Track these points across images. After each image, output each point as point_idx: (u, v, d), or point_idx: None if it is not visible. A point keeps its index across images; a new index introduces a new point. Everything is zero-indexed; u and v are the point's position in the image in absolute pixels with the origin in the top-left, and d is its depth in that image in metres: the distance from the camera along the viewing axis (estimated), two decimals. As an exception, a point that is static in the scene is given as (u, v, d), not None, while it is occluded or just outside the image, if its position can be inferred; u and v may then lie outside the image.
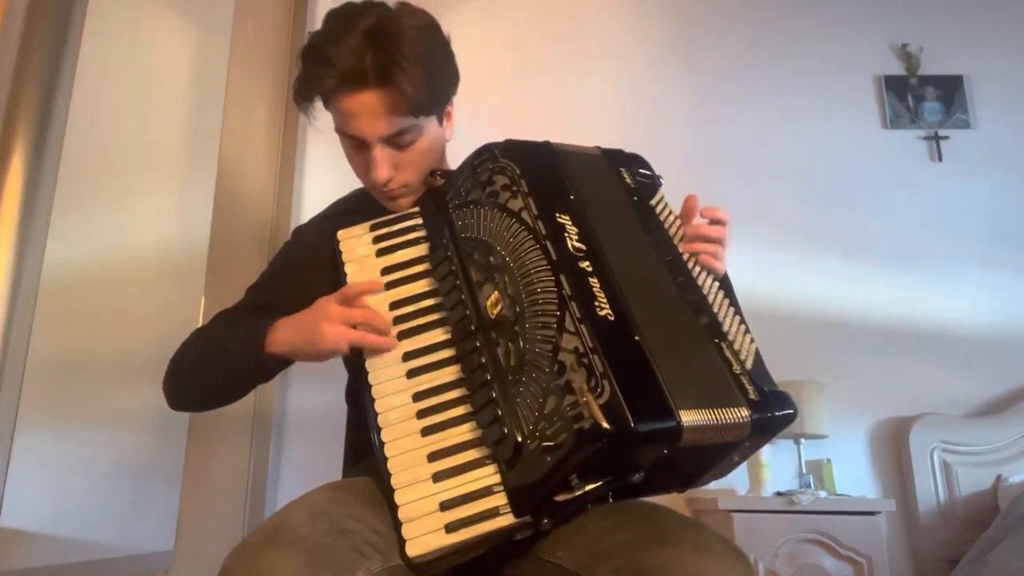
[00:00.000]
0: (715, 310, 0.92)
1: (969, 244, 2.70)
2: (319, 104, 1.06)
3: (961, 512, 2.35)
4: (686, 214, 1.02)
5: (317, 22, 1.06)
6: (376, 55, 0.97)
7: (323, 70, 0.98)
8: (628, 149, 1.11)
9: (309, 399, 2.44)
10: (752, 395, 0.84)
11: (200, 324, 1.76)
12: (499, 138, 1.11)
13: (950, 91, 2.84)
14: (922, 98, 2.84)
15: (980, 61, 2.88)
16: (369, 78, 0.97)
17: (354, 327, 0.95)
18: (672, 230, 1.00)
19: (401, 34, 0.98)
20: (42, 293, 1.26)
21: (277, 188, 2.51)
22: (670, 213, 1.03)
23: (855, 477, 2.48)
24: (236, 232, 2.19)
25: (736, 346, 0.89)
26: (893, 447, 2.51)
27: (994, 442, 2.42)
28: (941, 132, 2.80)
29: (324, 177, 2.62)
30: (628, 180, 1.04)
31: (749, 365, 0.87)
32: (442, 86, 1.06)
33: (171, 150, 1.81)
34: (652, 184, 1.05)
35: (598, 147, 1.08)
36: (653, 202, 1.02)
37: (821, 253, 2.66)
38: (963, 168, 2.77)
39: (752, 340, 0.91)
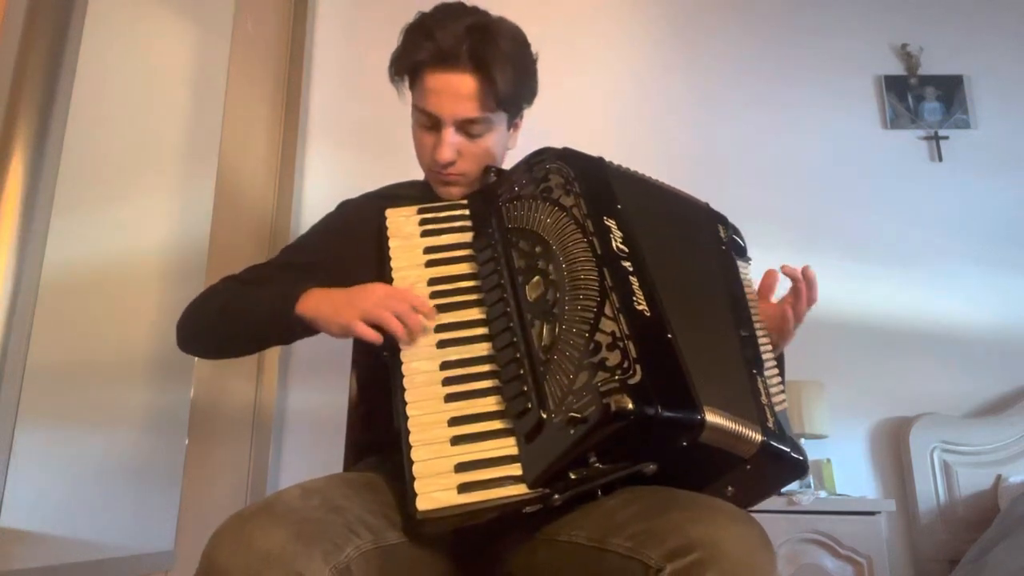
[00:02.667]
0: (762, 355, 0.99)
1: (969, 244, 2.69)
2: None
3: (961, 512, 2.35)
4: (764, 288, 1.10)
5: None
6: (475, 45, 1.05)
7: (423, 42, 1.06)
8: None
9: (309, 399, 2.44)
10: (770, 424, 0.89)
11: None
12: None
13: (950, 91, 2.84)
14: (922, 98, 2.83)
15: (980, 61, 2.87)
16: (463, 61, 1.05)
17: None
18: (746, 287, 1.07)
19: (501, 35, 1.08)
20: (42, 293, 1.26)
21: (277, 188, 2.51)
22: (749, 281, 1.10)
23: (855, 477, 2.48)
24: (236, 232, 2.19)
25: (771, 390, 0.95)
26: (893, 447, 2.51)
27: (994, 442, 2.42)
28: (941, 132, 2.80)
29: (324, 177, 2.61)
30: (722, 235, 1.11)
31: (776, 409, 0.94)
32: (524, 91, 1.13)
33: (171, 150, 1.81)
34: (742, 253, 1.13)
35: (706, 203, 1.15)
36: (738, 262, 1.10)
37: (821, 253, 2.65)
38: (963, 168, 2.77)
39: (785, 400, 0.98)
